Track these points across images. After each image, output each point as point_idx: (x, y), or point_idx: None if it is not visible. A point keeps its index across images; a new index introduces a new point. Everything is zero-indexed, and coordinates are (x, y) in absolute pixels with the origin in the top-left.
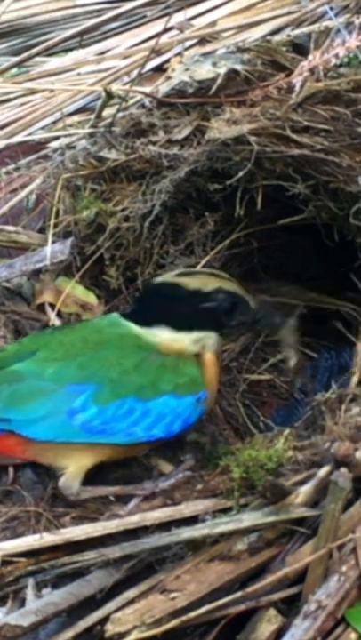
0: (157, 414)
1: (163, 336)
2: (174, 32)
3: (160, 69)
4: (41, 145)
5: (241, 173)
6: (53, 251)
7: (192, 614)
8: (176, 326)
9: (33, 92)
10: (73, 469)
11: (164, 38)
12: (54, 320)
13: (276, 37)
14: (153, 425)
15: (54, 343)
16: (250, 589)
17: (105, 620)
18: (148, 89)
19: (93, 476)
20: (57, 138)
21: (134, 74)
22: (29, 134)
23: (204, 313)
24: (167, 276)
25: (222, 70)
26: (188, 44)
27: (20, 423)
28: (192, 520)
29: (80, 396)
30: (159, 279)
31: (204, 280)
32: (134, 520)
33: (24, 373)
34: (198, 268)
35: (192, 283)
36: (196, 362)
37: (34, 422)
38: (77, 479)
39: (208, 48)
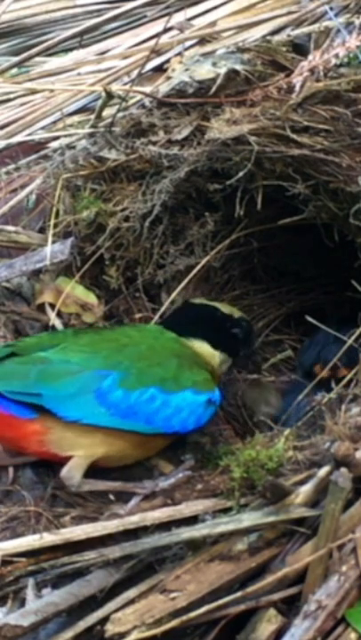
0: (176, 407)
1: (204, 348)
2: (174, 32)
3: (160, 69)
4: (41, 145)
5: (241, 173)
6: (53, 251)
7: (192, 614)
8: (213, 344)
9: (33, 92)
10: (80, 459)
11: (164, 38)
12: (54, 320)
13: (276, 37)
14: (171, 417)
15: (79, 340)
16: (250, 589)
17: (105, 620)
18: (148, 89)
19: (93, 475)
20: (57, 138)
21: (134, 74)
22: (29, 134)
23: (232, 337)
24: (202, 299)
25: (222, 70)
26: (188, 44)
27: (51, 399)
28: (192, 520)
29: (107, 378)
30: (196, 300)
31: (232, 308)
32: (134, 520)
33: (50, 358)
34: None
35: (224, 308)
36: (208, 370)
37: (63, 400)
38: (81, 470)
39: (208, 48)
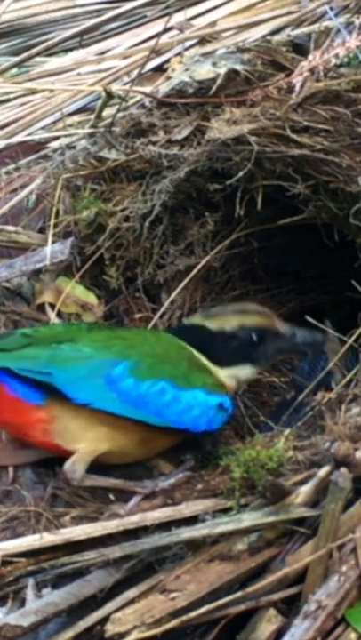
0: (187, 404)
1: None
2: (174, 32)
3: (160, 69)
4: (41, 145)
5: (241, 173)
6: (53, 251)
7: (192, 614)
8: (213, 361)
9: (33, 92)
10: (83, 453)
11: (164, 38)
12: (54, 320)
13: (276, 37)
14: (183, 412)
15: (92, 335)
16: (250, 589)
17: (105, 619)
18: (148, 89)
19: (94, 473)
20: (57, 138)
21: (134, 74)
22: (29, 134)
23: (232, 350)
24: (195, 318)
25: (222, 70)
26: (188, 44)
27: (62, 379)
28: (192, 520)
29: (118, 366)
30: (188, 320)
31: (224, 320)
32: (134, 520)
33: (62, 347)
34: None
35: (213, 323)
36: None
37: (74, 381)
38: (83, 464)
39: (208, 48)
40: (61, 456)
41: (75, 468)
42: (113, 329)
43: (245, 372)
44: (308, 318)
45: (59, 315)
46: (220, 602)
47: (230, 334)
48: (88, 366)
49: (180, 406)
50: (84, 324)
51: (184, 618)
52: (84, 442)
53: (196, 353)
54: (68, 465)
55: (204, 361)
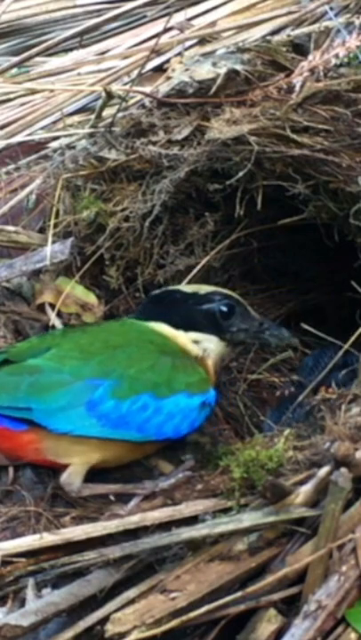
0: (168, 413)
1: (164, 330)
2: (174, 32)
3: (160, 69)
4: (41, 145)
5: (241, 173)
6: (53, 251)
7: (192, 614)
8: (174, 324)
9: (33, 92)
10: (78, 465)
11: (164, 38)
12: (54, 320)
13: (276, 37)
14: (163, 424)
15: (69, 343)
16: (250, 589)
17: (105, 620)
18: (148, 89)
19: (93, 476)
20: (57, 138)
21: (134, 74)
22: (29, 134)
23: (201, 313)
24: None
25: (222, 70)
26: (188, 44)
27: (41, 413)
28: (192, 520)
29: (99, 388)
30: (162, 289)
31: (201, 286)
32: (134, 520)
33: (42, 367)
34: (198, 267)
35: (189, 288)
36: (201, 364)
37: (54, 413)
38: (80, 476)
39: (208, 48)
40: (60, 469)
41: (71, 480)
42: (85, 329)
43: (211, 343)
44: (305, 326)
45: (59, 315)
46: (220, 602)
47: (202, 297)
48: (69, 393)
49: (160, 418)
50: (57, 330)
51: (184, 618)
52: (77, 455)
53: (147, 323)
54: (64, 478)
55: (160, 329)
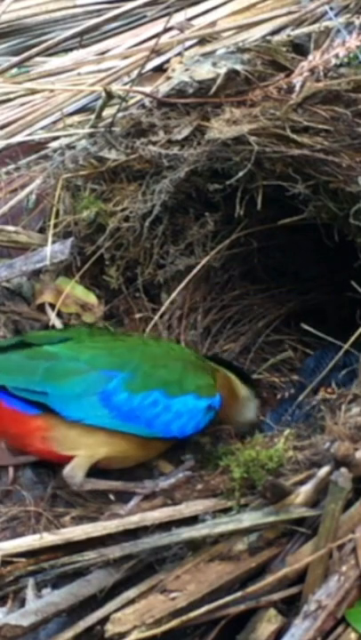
0: (176, 412)
1: (233, 377)
2: (174, 32)
3: (160, 69)
4: (41, 145)
5: (241, 173)
6: (53, 251)
7: (192, 614)
8: (241, 377)
9: (33, 92)
10: (82, 458)
11: (164, 38)
12: (54, 320)
13: (276, 37)
14: (171, 422)
15: (90, 337)
16: (250, 589)
17: (105, 620)
18: (148, 89)
19: (93, 476)
20: (57, 138)
21: (134, 74)
22: (29, 134)
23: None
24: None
25: (222, 70)
26: (188, 44)
27: (56, 399)
28: (192, 520)
29: (113, 380)
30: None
31: None
32: (134, 520)
33: (59, 354)
34: (198, 267)
35: None
36: (213, 376)
37: (68, 399)
38: (83, 469)
39: (208, 48)
40: (61, 463)
41: (74, 473)
42: (114, 334)
43: (254, 404)
44: (305, 326)
45: (59, 315)
46: (220, 602)
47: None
48: (84, 382)
49: (168, 416)
50: (84, 328)
51: (184, 618)
52: (82, 448)
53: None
54: (67, 470)
55: (230, 375)
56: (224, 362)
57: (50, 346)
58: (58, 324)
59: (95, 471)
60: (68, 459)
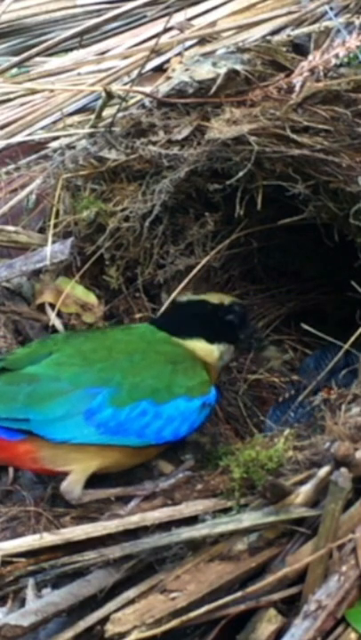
0: (167, 417)
1: (199, 346)
2: (174, 32)
3: (160, 69)
4: (41, 145)
5: (241, 173)
6: (53, 251)
7: (192, 614)
8: (209, 338)
9: (33, 92)
10: (77, 473)
11: (164, 38)
12: (54, 320)
13: (276, 37)
14: (163, 428)
15: (70, 348)
16: (250, 589)
17: (105, 620)
18: (148, 89)
19: (93, 477)
20: (57, 138)
21: (134, 74)
22: (29, 134)
23: (227, 325)
24: (191, 295)
25: (222, 70)
26: (188, 44)
27: (39, 423)
28: (192, 520)
29: (97, 397)
30: (185, 298)
31: (221, 296)
32: (134, 520)
33: (40, 375)
34: (198, 267)
35: (212, 298)
36: (204, 367)
37: (52, 422)
38: (80, 483)
39: (208, 48)
40: (59, 476)
41: (71, 488)
42: (87, 336)
43: (229, 351)
44: (305, 326)
45: (59, 315)
46: (220, 602)
47: (228, 308)
48: (67, 402)
49: (159, 423)
50: (59, 335)
51: (184, 618)
52: (75, 463)
53: (184, 340)
54: (64, 486)
55: (196, 345)
56: (187, 325)
57: (31, 366)
58: (58, 324)
59: (92, 476)
60: (65, 472)
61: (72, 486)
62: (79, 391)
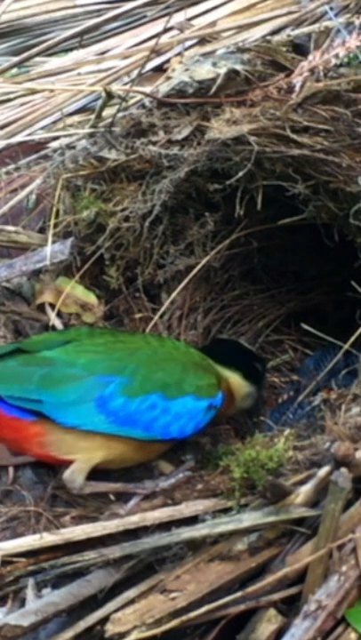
0: (175, 414)
1: (234, 377)
2: (174, 32)
3: (160, 69)
4: (41, 145)
5: (241, 173)
6: (53, 251)
7: (192, 614)
8: (245, 375)
9: (33, 92)
10: (81, 462)
11: (164, 38)
12: (54, 320)
13: (276, 37)
14: (170, 424)
15: (90, 340)
16: (250, 589)
17: (105, 620)
18: (148, 89)
19: (93, 476)
20: (57, 138)
21: (134, 74)
22: (29, 134)
23: (256, 371)
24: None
25: (222, 70)
26: (188, 44)
27: (51, 406)
28: (192, 520)
29: (110, 385)
30: (222, 336)
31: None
32: (134, 520)
33: (55, 360)
34: (198, 267)
35: (244, 343)
36: (216, 375)
37: (64, 406)
38: (83, 473)
39: (208, 48)
40: (61, 466)
41: (73, 477)
42: (114, 334)
43: (253, 396)
44: (305, 326)
45: (59, 315)
46: (220, 602)
47: (258, 357)
48: (80, 388)
49: (167, 418)
50: (84, 329)
51: (184, 618)
52: (80, 452)
53: (221, 368)
54: (66, 475)
55: (231, 376)
56: (229, 356)
57: (48, 351)
58: (58, 323)
59: (94, 472)
60: (68, 462)
61: (75, 475)
62: (93, 378)
